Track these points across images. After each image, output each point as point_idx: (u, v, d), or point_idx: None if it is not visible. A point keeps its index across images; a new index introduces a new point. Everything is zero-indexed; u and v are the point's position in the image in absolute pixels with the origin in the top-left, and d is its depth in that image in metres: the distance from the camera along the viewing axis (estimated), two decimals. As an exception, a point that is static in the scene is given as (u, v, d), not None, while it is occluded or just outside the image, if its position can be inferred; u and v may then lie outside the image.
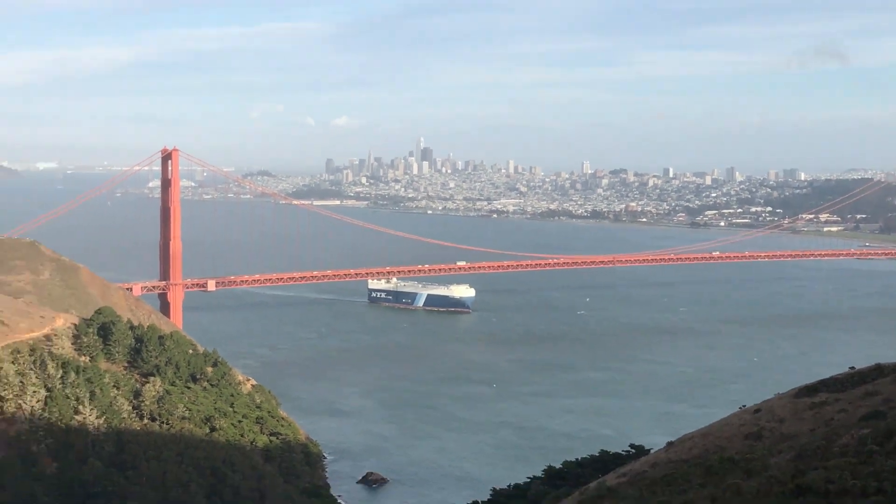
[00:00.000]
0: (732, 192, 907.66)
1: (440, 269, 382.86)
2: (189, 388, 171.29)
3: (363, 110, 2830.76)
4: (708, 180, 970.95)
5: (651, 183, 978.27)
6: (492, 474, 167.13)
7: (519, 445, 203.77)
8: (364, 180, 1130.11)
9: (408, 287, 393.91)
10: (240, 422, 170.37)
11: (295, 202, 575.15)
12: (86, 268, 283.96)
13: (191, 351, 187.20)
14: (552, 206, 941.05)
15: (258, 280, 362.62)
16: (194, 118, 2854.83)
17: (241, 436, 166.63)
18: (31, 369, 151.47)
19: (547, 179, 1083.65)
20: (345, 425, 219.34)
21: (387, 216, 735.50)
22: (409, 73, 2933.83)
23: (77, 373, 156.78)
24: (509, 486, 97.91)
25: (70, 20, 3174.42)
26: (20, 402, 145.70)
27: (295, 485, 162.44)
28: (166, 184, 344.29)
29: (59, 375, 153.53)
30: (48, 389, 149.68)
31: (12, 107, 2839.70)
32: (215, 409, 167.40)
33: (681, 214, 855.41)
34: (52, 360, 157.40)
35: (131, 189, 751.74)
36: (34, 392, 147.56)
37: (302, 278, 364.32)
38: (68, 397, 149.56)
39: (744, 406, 64.64)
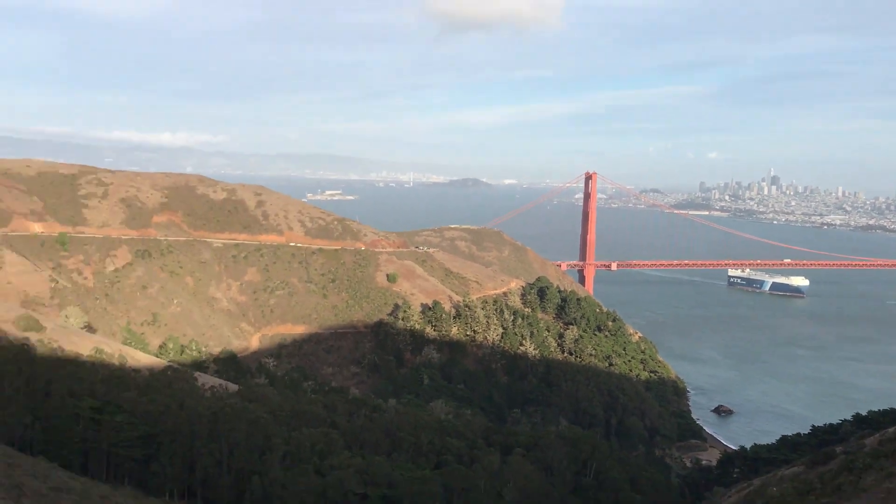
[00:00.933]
0: None
1: (781, 265, 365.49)
2: (595, 335, 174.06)
3: (728, 147, 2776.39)
4: None
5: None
6: (809, 415, 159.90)
7: (831, 395, 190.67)
8: (727, 197, 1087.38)
9: (757, 276, 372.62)
10: (629, 361, 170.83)
11: (676, 211, 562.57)
12: (531, 249, 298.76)
13: (598, 310, 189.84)
14: (870, 222, 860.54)
15: (647, 264, 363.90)
16: (608, 151, 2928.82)
17: (630, 371, 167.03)
18: (494, 314, 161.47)
19: (868, 202, 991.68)
20: (702, 370, 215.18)
21: (743, 224, 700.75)
22: (763, 121, 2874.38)
23: (522, 318, 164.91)
24: (825, 424, 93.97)
25: (528, 85, 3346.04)
26: (486, 335, 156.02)
27: (666, 408, 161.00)
28: (587, 196, 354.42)
29: (511, 319, 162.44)
30: (503, 328, 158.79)
31: (491, 142, 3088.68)
32: (612, 351, 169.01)
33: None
34: (507, 309, 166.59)
35: (563, 199, 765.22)
36: (495, 329, 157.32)
37: (679, 265, 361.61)
38: (516, 334, 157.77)
39: None
